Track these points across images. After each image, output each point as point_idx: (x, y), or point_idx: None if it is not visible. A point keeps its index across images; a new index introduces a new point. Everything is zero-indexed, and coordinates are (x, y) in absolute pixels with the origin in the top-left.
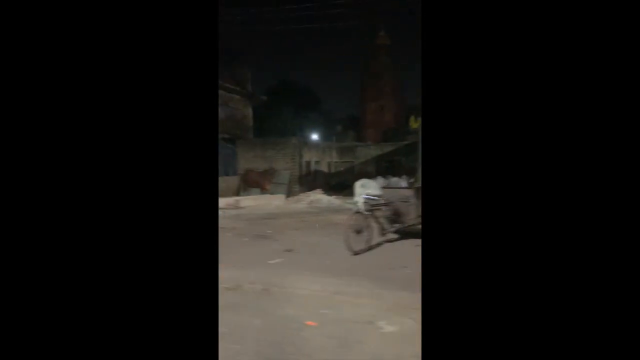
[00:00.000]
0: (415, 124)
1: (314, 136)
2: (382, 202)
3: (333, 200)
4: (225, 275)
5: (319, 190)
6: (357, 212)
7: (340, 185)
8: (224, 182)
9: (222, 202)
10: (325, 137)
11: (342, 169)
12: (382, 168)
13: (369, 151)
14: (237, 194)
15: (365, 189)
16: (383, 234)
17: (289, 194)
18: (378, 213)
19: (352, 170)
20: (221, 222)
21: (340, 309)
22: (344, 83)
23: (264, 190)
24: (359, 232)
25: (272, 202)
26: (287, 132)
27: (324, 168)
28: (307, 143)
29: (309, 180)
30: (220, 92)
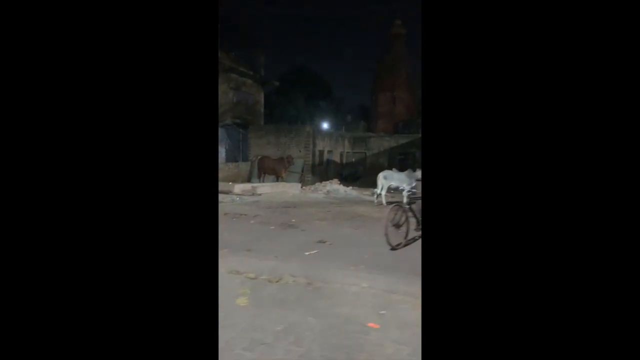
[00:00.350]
0: None
1: (324, 125)
2: (420, 195)
3: (350, 191)
4: (264, 266)
5: (335, 180)
6: (397, 205)
7: (352, 176)
8: (236, 167)
9: (238, 188)
10: (335, 126)
11: (353, 159)
12: (396, 160)
13: (382, 142)
14: (249, 180)
15: (389, 181)
16: (418, 229)
17: (303, 183)
18: (415, 207)
19: (364, 161)
20: (241, 209)
21: (399, 309)
22: (356, 72)
23: (278, 178)
24: (398, 226)
25: (288, 190)
26: (298, 120)
27: (336, 158)
28: (320, 132)
29: (321, 170)
30: (233, 75)
